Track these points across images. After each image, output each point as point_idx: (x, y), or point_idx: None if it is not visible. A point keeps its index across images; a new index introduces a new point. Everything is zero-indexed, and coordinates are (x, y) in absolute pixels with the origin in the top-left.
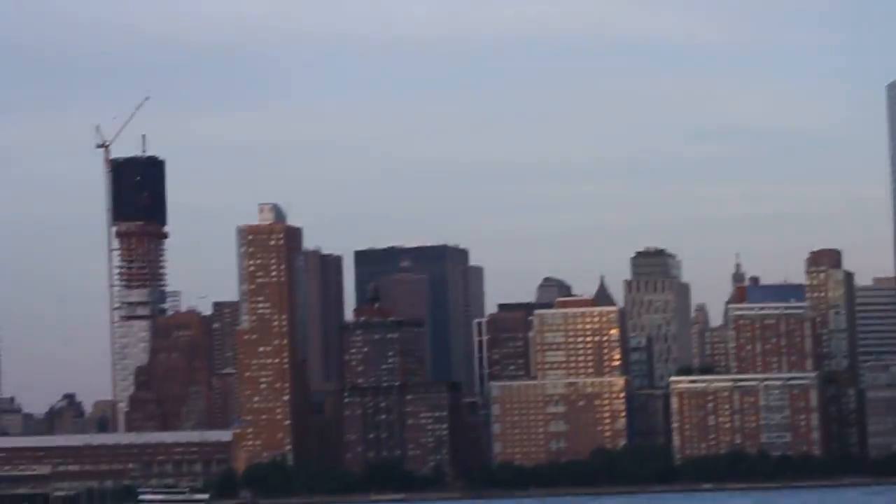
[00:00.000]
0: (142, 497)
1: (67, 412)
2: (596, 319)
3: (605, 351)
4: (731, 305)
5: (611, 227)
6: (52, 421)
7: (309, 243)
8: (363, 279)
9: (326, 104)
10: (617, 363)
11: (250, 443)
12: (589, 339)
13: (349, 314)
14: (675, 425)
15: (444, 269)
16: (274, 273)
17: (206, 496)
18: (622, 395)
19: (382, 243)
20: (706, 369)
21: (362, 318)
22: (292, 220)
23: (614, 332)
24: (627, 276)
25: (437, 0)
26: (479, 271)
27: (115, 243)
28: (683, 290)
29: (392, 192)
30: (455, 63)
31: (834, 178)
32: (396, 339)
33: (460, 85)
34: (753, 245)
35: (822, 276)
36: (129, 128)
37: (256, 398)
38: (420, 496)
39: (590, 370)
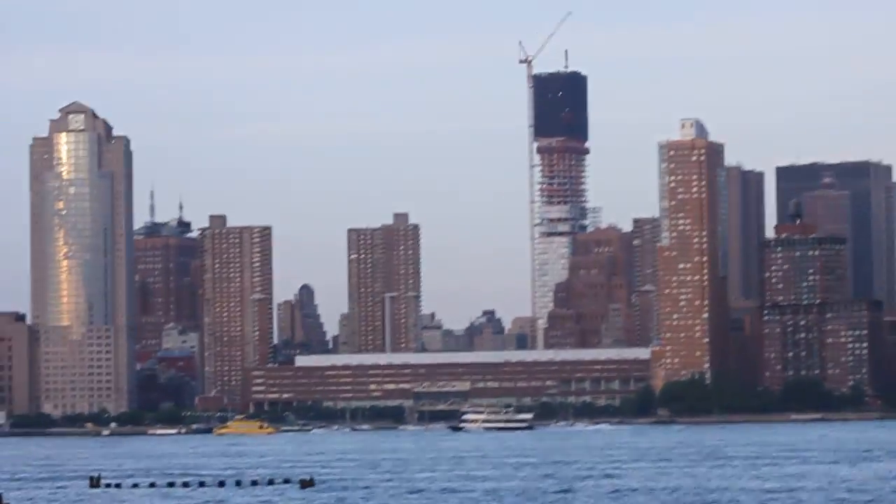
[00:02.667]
0: (465, 418)
1: (487, 328)
2: None
3: None
4: None
5: None
6: (471, 337)
7: (730, 159)
8: (784, 195)
9: (747, 20)
10: None
11: (669, 360)
12: None
13: (770, 231)
14: None
15: (868, 185)
16: (695, 189)
17: (529, 416)
18: None
19: (804, 159)
20: None
21: (783, 235)
22: (714, 136)
23: None
24: None
25: None
26: None
27: (537, 159)
28: None
29: (813, 107)
30: None
31: None
32: (817, 257)
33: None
34: None
35: None
36: (552, 43)
37: (676, 315)
38: (838, 416)
39: None
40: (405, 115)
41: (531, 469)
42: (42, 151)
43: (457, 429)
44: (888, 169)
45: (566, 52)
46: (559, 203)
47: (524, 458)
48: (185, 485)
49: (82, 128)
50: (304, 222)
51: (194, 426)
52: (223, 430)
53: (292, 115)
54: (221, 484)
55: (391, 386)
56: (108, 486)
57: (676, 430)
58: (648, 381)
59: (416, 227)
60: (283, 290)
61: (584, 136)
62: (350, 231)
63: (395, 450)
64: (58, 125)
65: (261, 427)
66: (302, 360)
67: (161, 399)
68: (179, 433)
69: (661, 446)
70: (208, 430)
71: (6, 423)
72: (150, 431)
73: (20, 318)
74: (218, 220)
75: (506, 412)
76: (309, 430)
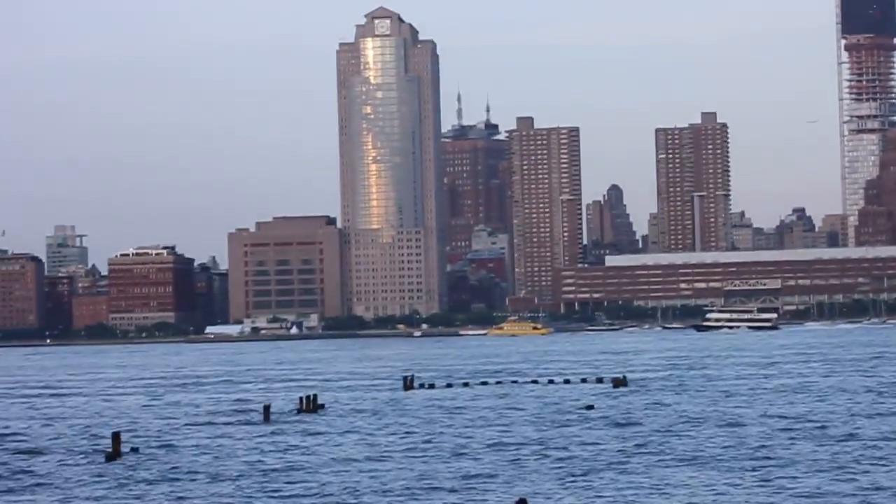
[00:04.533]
0: (708, 315)
1: (797, 226)
2: None
3: None
4: None
5: None
6: (781, 235)
7: None
8: None
9: None
10: None
11: None
12: None
13: None
14: None
15: None
16: None
17: (773, 315)
18: None
19: None
20: None
21: None
22: None
23: None
24: None
25: None
26: None
27: (844, 56)
28: None
29: None
30: None
31: None
32: None
33: None
34: None
35: None
36: None
37: None
38: None
39: None
40: (711, 16)
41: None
42: (349, 56)
43: (701, 328)
44: None
45: None
46: (868, 100)
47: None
48: (499, 383)
49: (388, 32)
50: (612, 122)
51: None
52: (497, 331)
53: (596, 17)
54: (534, 382)
55: (701, 285)
56: (421, 386)
57: None
58: None
59: (724, 126)
60: (592, 191)
61: (892, 33)
62: (658, 131)
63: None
64: (364, 30)
65: (534, 328)
66: (612, 260)
67: (471, 300)
68: (487, 334)
69: None
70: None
71: (319, 325)
72: (462, 332)
73: (331, 221)
74: (525, 121)
75: (749, 312)
76: (617, 330)
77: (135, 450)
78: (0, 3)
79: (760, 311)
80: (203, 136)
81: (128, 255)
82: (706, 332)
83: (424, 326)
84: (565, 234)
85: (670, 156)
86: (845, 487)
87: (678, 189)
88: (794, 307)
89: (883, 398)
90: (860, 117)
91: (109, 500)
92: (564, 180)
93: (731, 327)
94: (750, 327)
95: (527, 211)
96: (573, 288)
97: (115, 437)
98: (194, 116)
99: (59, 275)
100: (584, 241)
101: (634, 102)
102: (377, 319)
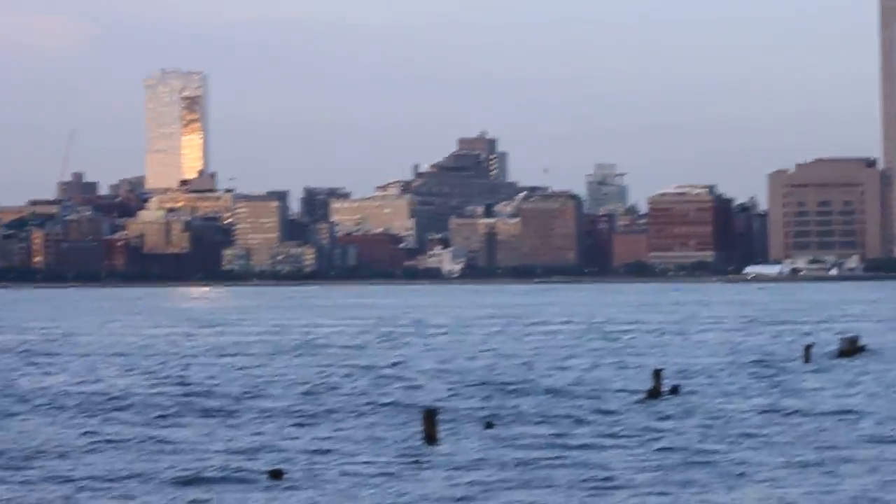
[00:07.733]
0: None
1: None
2: None
3: None
4: None
5: None
6: None
7: None
8: None
9: None
10: None
11: None
12: None
13: None
14: None
15: None
16: None
17: None
18: None
19: None
20: None
21: None
22: None
23: None
24: None
25: None
26: None
27: None
28: None
29: None
30: None
31: None
32: None
33: None
34: None
35: None
36: None
37: None
38: None
39: None
40: None
41: None
42: None
43: None
44: None
45: None
46: None
47: None
48: None
49: None
50: None
51: None
52: None
53: None
54: None
55: None
56: None
57: None
58: None
59: None
60: None
61: None
62: None
63: None
64: None
65: None
66: None
67: None
68: None
69: None
70: None
71: (859, 266)
72: None
73: (871, 164)
74: None
75: None
76: None
77: (674, 389)
78: None
79: None
80: (744, 78)
81: (667, 193)
82: None
83: None
84: None
85: None
86: None
87: None
88: None
89: None
90: None
91: (657, 437)
92: None
93: None
94: None
95: None
96: None
97: (657, 373)
98: (737, 63)
99: (599, 213)
100: None
101: None
102: None
